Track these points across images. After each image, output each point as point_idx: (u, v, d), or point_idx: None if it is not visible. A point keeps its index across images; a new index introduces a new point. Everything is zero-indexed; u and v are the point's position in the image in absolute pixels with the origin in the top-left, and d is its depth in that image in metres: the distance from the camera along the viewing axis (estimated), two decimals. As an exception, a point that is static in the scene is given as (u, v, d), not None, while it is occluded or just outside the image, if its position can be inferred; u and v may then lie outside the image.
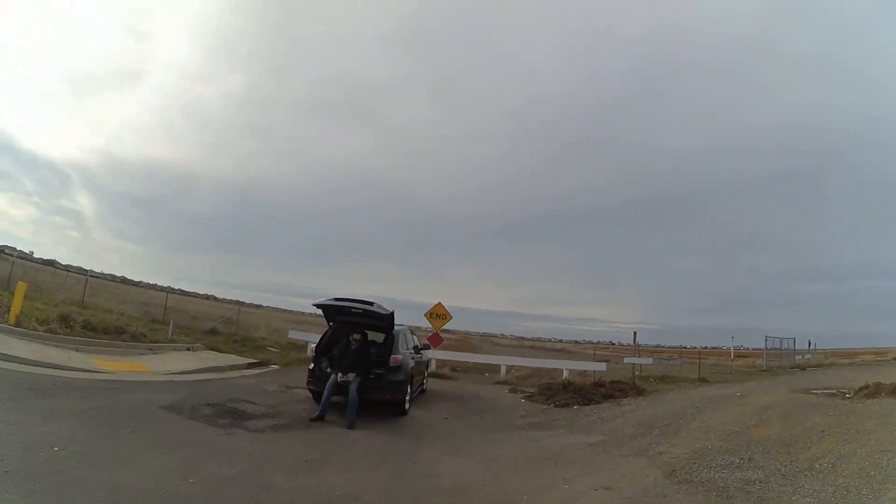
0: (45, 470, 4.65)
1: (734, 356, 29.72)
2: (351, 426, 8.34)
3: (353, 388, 8.79)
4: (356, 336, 9.45)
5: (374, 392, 9.28)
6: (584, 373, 18.12)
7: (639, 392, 13.83)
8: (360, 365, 9.20)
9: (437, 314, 18.49)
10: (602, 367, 18.15)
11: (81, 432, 5.90)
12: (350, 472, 5.93)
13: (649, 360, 22.09)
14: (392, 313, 9.60)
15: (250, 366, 14.77)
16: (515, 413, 11.49)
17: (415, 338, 12.64)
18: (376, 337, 10.97)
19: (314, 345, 10.66)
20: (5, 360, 8.65)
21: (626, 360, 21.48)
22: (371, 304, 9.48)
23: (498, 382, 17.15)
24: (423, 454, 7.19)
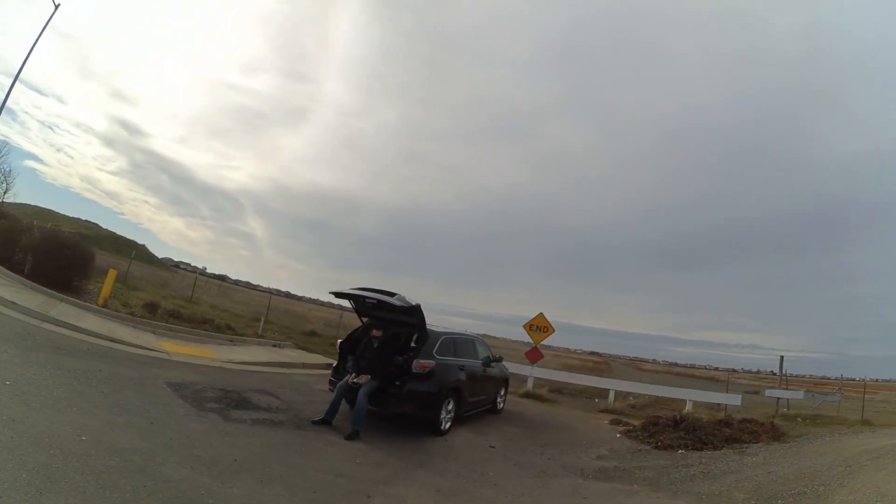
0: None
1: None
2: (351, 437, 7.53)
3: (362, 392, 7.95)
4: (376, 333, 8.69)
5: (393, 402, 8.23)
6: (715, 407, 15.34)
7: (776, 436, 11.12)
8: (377, 367, 8.33)
9: (538, 326, 16.92)
10: (736, 399, 15.17)
11: (51, 381, 6.42)
12: (268, 485, 5.10)
13: (799, 394, 17.91)
14: (417, 307, 8.55)
15: (328, 366, 14.87)
16: (593, 451, 9.45)
17: (484, 347, 11.49)
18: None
19: (341, 340, 9.96)
20: (71, 329, 9.67)
21: (768, 392, 17.98)
22: (392, 294, 8.53)
23: (603, 410, 15.18)
24: (396, 488, 5.83)
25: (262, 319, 17.92)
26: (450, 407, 9.05)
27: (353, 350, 9.37)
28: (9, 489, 3.65)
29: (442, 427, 8.81)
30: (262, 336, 16.55)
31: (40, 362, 6.92)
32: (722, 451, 9.64)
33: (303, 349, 16.91)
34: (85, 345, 8.99)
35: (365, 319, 10.04)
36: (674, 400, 16.23)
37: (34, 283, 12.02)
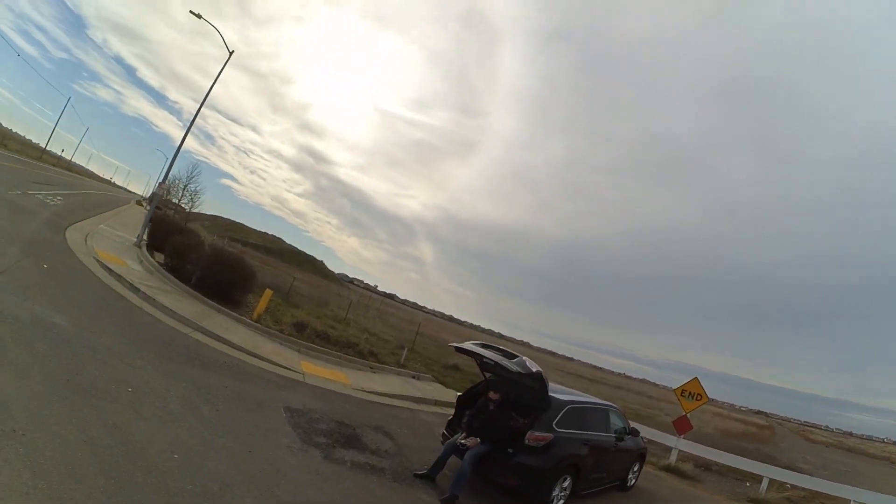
0: (94, 392, 5.73)
1: None
2: (447, 500, 7.10)
3: (468, 455, 7.54)
4: (493, 395, 8.17)
5: (497, 471, 7.71)
6: None
7: None
8: (491, 432, 7.83)
9: (691, 392, 15.28)
10: None
11: (172, 392, 6.98)
12: None
13: None
14: (538, 373, 7.78)
15: (461, 408, 14.60)
16: None
17: (619, 418, 10.40)
18: None
19: (459, 394, 9.54)
20: (216, 340, 10.58)
21: None
22: (512, 357, 7.92)
23: (752, 500, 13.05)
24: None
25: (406, 349, 18.21)
26: (565, 484, 8.21)
27: (470, 405, 8.89)
28: (83, 490, 3.92)
29: None
30: (403, 366, 16.79)
31: (170, 372, 7.68)
32: None
33: (441, 383, 16.85)
34: (224, 357, 9.81)
35: (488, 375, 9.48)
36: (836, 498, 13.45)
37: (198, 294, 13.60)
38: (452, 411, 13.52)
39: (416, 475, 7.62)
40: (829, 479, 15.38)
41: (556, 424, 8.13)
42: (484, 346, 8.56)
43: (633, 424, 11.38)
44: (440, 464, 7.78)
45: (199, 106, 21.08)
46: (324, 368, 12.59)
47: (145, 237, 20.75)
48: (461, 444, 7.79)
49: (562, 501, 8.18)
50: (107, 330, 8.35)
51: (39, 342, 6.59)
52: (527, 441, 7.73)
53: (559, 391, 8.92)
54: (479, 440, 7.72)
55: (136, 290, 12.00)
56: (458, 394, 9.51)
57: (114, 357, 7.11)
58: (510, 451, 7.78)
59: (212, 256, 14.65)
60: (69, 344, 6.92)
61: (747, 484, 14.88)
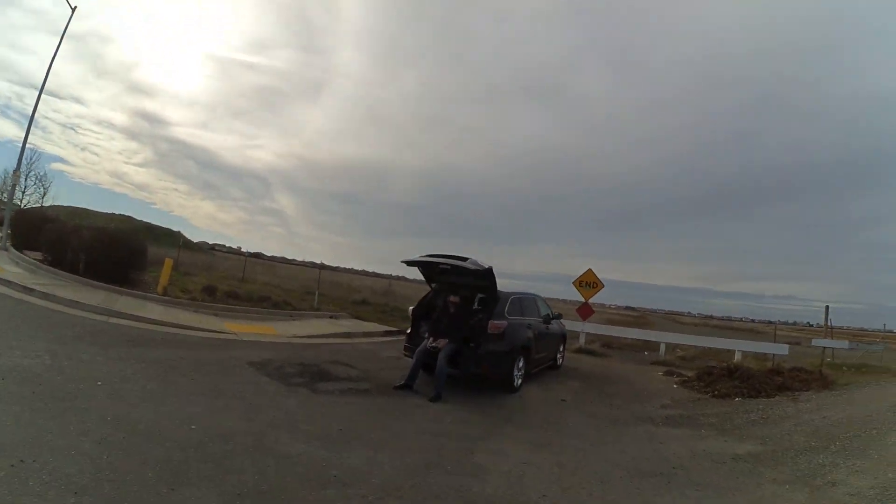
0: (69, 396, 4.99)
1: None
2: (435, 398, 7.65)
3: (441, 356, 8.09)
4: (453, 299, 8.68)
5: (469, 363, 8.38)
6: (762, 357, 15.63)
7: (825, 384, 11.59)
8: (455, 331, 8.40)
9: (587, 282, 16.87)
10: (784, 349, 15.32)
11: (140, 375, 6.37)
12: (379, 451, 5.08)
13: (844, 344, 18.15)
14: (490, 269, 8.49)
15: (386, 333, 15.07)
16: (657, 401, 9.67)
17: (545, 306, 11.52)
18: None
19: (413, 308, 9.89)
20: (137, 321, 9.69)
21: (815, 342, 18.24)
22: (464, 259, 8.44)
23: (655, 363, 15.42)
24: (493, 443, 5.95)
25: (316, 292, 17.90)
26: (520, 365, 9.18)
27: (426, 316, 9.45)
28: (140, 490, 3.46)
29: (515, 384, 8.94)
30: (317, 309, 16.55)
31: (122, 357, 6.86)
32: (776, 398, 9.99)
33: (357, 318, 16.93)
34: (157, 334, 8.99)
35: (434, 285, 10.00)
36: (721, 351, 16.42)
37: (91, 281, 12.08)
38: (383, 339, 14.05)
39: (395, 388, 7.94)
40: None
41: (506, 313, 8.97)
42: (432, 256, 8.88)
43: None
44: (415, 372, 8.18)
45: (42, 83, 17.76)
46: (250, 325, 12.04)
47: (9, 239, 17.85)
48: (432, 347, 8.23)
49: (520, 380, 9.11)
50: (32, 336, 7.12)
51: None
52: (490, 330, 8.47)
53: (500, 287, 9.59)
54: (447, 340, 8.22)
55: (29, 290, 10.18)
56: (412, 307, 9.80)
57: (59, 358, 6.17)
58: (471, 344, 8.47)
59: (96, 238, 12.70)
60: (4, 360, 5.99)
61: (646, 353, 17.21)
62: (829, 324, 17.98)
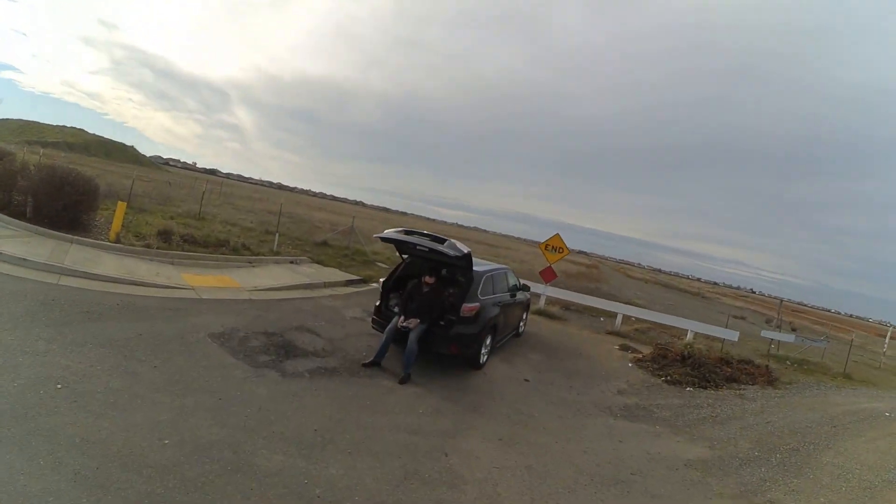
0: (31, 412, 4.59)
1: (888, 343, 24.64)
2: (403, 380, 7.71)
3: (412, 336, 7.98)
4: (429, 279, 8.46)
5: (439, 343, 8.36)
6: (712, 338, 16.64)
7: (769, 380, 12.24)
8: (427, 312, 8.29)
9: (554, 246, 17.40)
10: (734, 336, 16.12)
11: (100, 366, 5.97)
12: (357, 457, 5.13)
13: (790, 338, 19.44)
14: (467, 255, 8.25)
15: (348, 283, 14.92)
16: (613, 384, 10.15)
17: (513, 277, 11.62)
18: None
19: (383, 279, 9.65)
20: (87, 278, 9.23)
21: (763, 333, 19.40)
22: (442, 241, 8.16)
23: (610, 332, 16.02)
24: (465, 441, 6.11)
25: (277, 235, 17.37)
26: (488, 342, 9.28)
27: (396, 289, 9.27)
28: None
29: (481, 362, 9.11)
30: (277, 252, 16.12)
31: (78, 342, 6.37)
32: (723, 391, 10.67)
33: (319, 263, 16.62)
34: (111, 298, 8.41)
35: (405, 257, 9.75)
36: (673, 328, 17.16)
37: (39, 227, 11.13)
38: (345, 290, 13.89)
39: (364, 366, 7.92)
40: (664, 312, 19.00)
41: (480, 293, 8.95)
42: (408, 232, 8.51)
43: (522, 281, 12.75)
44: (384, 349, 8.11)
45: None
46: (209, 276, 11.56)
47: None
48: (403, 326, 8.12)
49: (486, 357, 9.30)
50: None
51: None
52: (463, 313, 8.46)
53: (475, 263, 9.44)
54: (419, 320, 8.13)
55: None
56: (382, 279, 9.57)
57: (13, 353, 5.63)
58: (442, 323, 8.46)
59: (44, 180, 11.46)
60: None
61: (601, 319, 17.86)
62: (779, 316, 19.32)
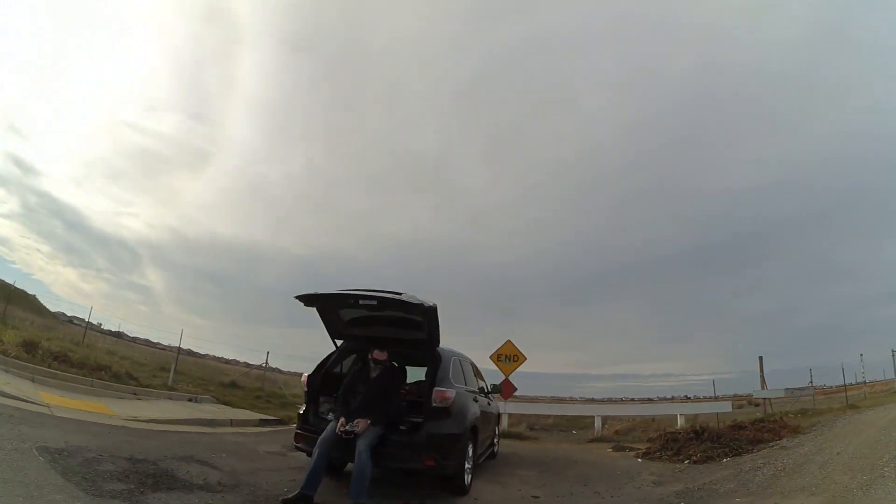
0: None
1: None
2: None
3: (361, 445, 5.20)
4: (379, 354, 5.88)
5: (405, 454, 5.59)
6: (697, 417, 14.97)
7: (794, 429, 10.91)
8: (379, 406, 5.59)
9: (507, 356, 14.13)
10: (727, 407, 15.48)
11: None
12: None
13: (781, 392, 19.28)
14: (434, 308, 5.84)
15: (262, 423, 11.94)
16: (640, 479, 7.91)
17: (479, 372, 8.88)
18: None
19: (308, 374, 6.83)
20: None
21: (756, 394, 19.00)
22: (397, 293, 5.83)
23: (593, 440, 13.68)
24: None
25: (173, 368, 14.28)
26: (469, 454, 6.32)
27: (328, 387, 6.53)
28: None
29: (466, 482, 6.16)
30: (173, 388, 13.05)
31: None
32: (761, 451, 9.14)
33: (226, 404, 13.51)
34: None
35: (339, 342, 7.08)
36: (656, 418, 15.81)
37: None
38: (257, 430, 10.89)
39: (285, 501, 4.89)
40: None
41: (452, 379, 6.38)
42: (344, 290, 6.10)
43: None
44: (316, 474, 5.09)
45: None
46: (74, 399, 8.61)
47: None
48: (344, 431, 5.29)
49: (470, 476, 6.34)
50: None
51: None
52: (435, 402, 5.76)
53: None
54: (368, 421, 5.37)
55: None
56: (307, 374, 6.74)
57: None
58: (404, 427, 5.81)
59: None
60: None
61: (573, 431, 15.59)
62: (763, 378, 18.89)
